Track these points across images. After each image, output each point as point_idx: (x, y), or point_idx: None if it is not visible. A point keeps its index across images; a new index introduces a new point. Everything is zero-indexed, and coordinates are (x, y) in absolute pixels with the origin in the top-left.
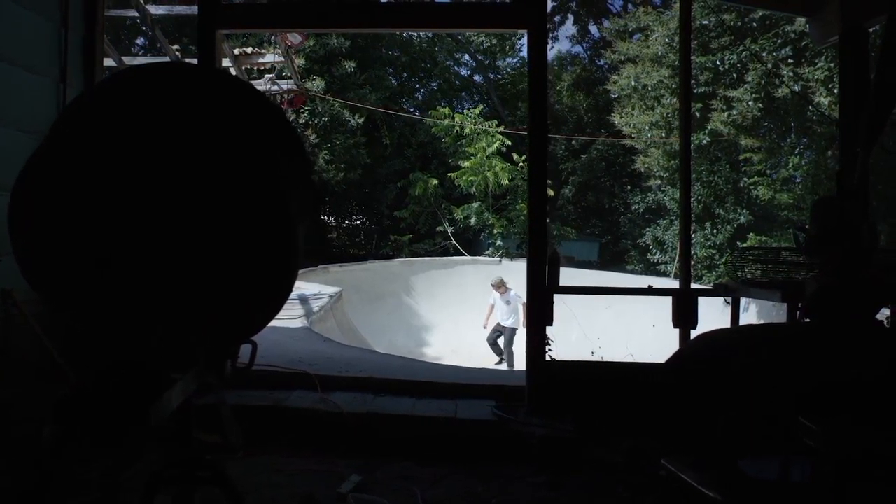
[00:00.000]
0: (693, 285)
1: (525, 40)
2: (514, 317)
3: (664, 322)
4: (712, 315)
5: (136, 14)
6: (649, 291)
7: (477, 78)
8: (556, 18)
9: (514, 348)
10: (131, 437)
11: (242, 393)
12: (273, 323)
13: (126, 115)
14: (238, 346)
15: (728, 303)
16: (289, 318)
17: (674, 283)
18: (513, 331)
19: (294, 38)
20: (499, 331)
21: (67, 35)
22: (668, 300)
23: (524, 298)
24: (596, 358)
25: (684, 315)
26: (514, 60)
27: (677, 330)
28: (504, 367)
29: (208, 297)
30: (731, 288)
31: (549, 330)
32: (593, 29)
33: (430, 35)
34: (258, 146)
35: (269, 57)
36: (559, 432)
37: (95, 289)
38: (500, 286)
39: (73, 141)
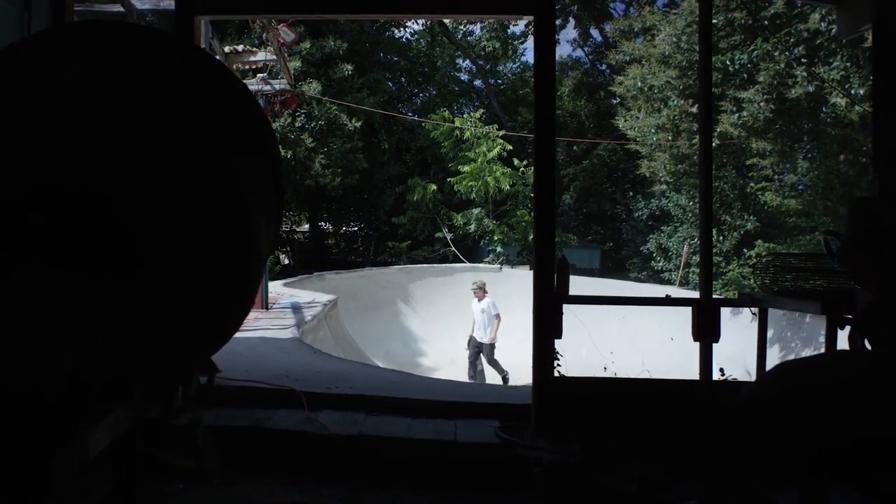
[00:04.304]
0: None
1: (528, 43)
2: (489, 329)
3: (683, 335)
4: (723, 325)
5: (122, 9)
6: (667, 301)
7: (477, 83)
8: (557, 22)
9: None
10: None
11: (221, 412)
12: (261, 333)
13: (48, 80)
14: (188, 372)
15: (754, 314)
16: (279, 327)
17: (680, 292)
18: (491, 347)
19: (286, 35)
20: (477, 346)
21: (30, 20)
22: (683, 310)
23: (498, 309)
24: (609, 374)
25: (705, 327)
26: (515, 66)
27: (697, 343)
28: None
29: (144, 314)
30: (759, 298)
31: (557, 343)
32: (595, 33)
33: (429, 38)
34: (210, 130)
35: (261, 55)
36: (567, 457)
37: None
38: (481, 290)
39: None
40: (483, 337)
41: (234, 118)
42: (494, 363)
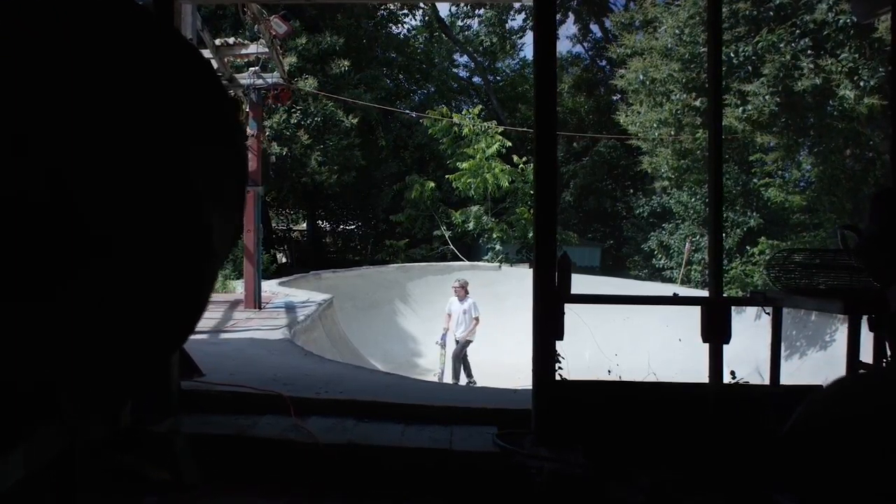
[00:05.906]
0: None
1: (526, 38)
2: (468, 330)
3: (687, 334)
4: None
5: None
6: (676, 301)
7: (476, 80)
8: (557, 18)
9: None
10: None
11: (202, 419)
12: (251, 334)
13: None
14: (134, 384)
15: (767, 313)
16: (270, 328)
17: (685, 291)
18: (467, 343)
19: (279, 27)
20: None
21: None
22: (687, 310)
23: (479, 312)
24: (613, 377)
25: (716, 327)
26: (514, 62)
27: (701, 343)
28: (463, 382)
29: (70, 318)
30: (773, 297)
31: (558, 345)
32: (594, 28)
33: (427, 35)
34: (154, 106)
35: (253, 48)
36: (570, 467)
37: None
38: (463, 290)
39: None
40: (462, 335)
41: (186, 92)
42: (462, 360)
